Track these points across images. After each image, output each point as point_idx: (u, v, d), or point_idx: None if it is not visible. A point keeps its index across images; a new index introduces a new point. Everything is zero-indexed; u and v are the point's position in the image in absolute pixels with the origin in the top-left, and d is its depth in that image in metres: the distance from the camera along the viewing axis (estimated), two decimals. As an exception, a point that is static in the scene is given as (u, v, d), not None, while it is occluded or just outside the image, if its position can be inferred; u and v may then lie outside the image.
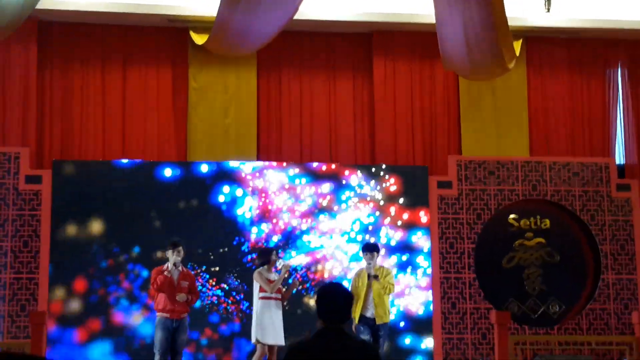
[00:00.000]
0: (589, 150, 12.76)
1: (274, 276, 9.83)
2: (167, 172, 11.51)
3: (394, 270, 11.06)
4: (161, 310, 9.51)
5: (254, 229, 11.46)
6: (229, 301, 11.32)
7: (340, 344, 4.41)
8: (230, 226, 11.43)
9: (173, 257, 9.56)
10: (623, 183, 12.34)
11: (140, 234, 11.26)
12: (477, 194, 12.01)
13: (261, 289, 9.77)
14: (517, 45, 12.12)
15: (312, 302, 11.24)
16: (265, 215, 11.51)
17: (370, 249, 9.99)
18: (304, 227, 11.56)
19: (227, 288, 11.33)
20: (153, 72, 12.20)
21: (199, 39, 11.82)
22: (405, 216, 11.72)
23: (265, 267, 9.90)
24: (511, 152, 12.44)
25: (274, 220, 11.53)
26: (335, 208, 11.64)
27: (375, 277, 9.78)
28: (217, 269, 11.33)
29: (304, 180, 11.66)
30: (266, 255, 10.05)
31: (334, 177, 11.70)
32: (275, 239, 11.45)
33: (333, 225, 11.60)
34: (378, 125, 12.43)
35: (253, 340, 9.84)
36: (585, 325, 11.86)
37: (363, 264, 10.20)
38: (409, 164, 12.24)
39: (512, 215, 12.10)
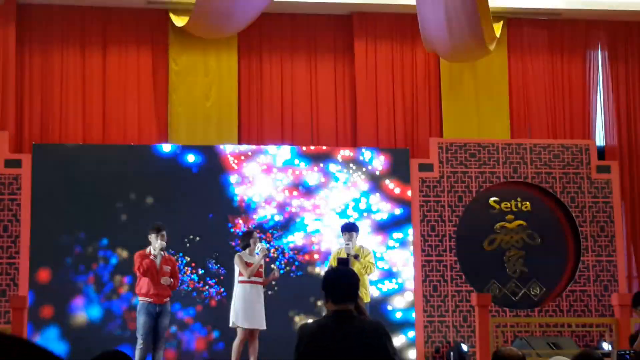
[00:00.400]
0: (570, 132, 12.79)
1: (257, 259, 9.77)
2: (149, 155, 11.45)
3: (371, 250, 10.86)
4: (144, 295, 9.46)
5: (240, 213, 11.43)
6: (206, 286, 11.29)
7: (350, 326, 4.44)
8: (215, 209, 11.38)
9: (158, 242, 9.49)
10: (603, 165, 12.39)
11: (122, 218, 11.19)
12: (458, 176, 12.03)
13: (240, 273, 9.75)
14: (498, 27, 12.12)
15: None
16: (250, 198, 11.48)
17: (348, 228, 9.86)
18: (290, 209, 11.54)
19: (201, 272, 11.27)
20: (133, 55, 12.12)
21: (179, 20, 11.75)
22: (386, 198, 11.71)
23: (247, 250, 9.87)
24: (492, 134, 12.45)
25: (260, 203, 11.49)
26: (318, 191, 11.61)
27: (356, 256, 9.66)
28: (197, 253, 11.29)
29: (286, 162, 11.62)
30: (246, 238, 9.99)
31: (317, 159, 11.67)
32: (260, 220, 11.42)
33: (315, 208, 11.58)
34: (359, 107, 12.41)
35: (230, 324, 9.83)
36: (565, 307, 11.94)
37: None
38: (391, 146, 12.22)
39: (493, 198, 12.13)
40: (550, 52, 12.92)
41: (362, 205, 11.67)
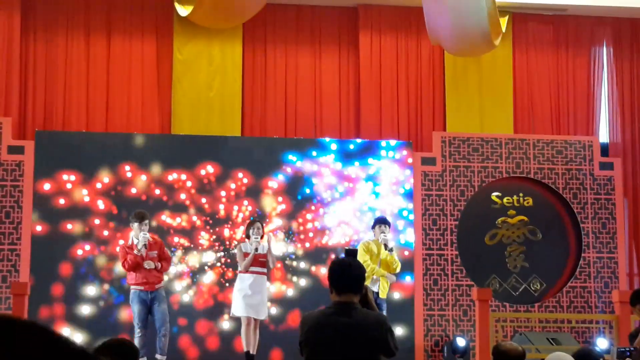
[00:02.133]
0: (573, 128, 12.78)
1: (250, 253, 9.70)
2: (150, 144, 11.46)
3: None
4: (134, 284, 9.47)
5: (240, 203, 11.43)
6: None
7: (352, 317, 4.44)
8: (216, 201, 11.39)
9: (141, 236, 9.36)
10: (606, 161, 12.38)
11: (123, 206, 11.19)
12: (460, 170, 12.02)
13: (242, 263, 9.76)
14: (504, 22, 12.09)
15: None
16: (251, 190, 11.48)
17: (383, 221, 9.98)
18: (289, 203, 11.54)
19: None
20: (137, 43, 12.11)
21: (184, 9, 11.72)
22: (388, 191, 11.71)
23: (248, 241, 9.85)
24: (495, 129, 12.44)
25: (261, 196, 11.50)
26: (321, 184, 11.61)
27: (391, 249, 9.82)
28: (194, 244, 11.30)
29: (289, 154, 11.62)
30: (248, 228, 9.96)
31: (318, 151, 11.66)
32: (256, 215, 11.42)
33: (319, 203, 11.58)
34: (363, 99, 12.40)
35: (231, 314, 9.86)
36: (565, 303, 11.94)
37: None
38: (394, 138, 12.21)
39: (495, 193, 12.12)
40: (556, 48, 12.90)
41: (365, 201, 11.66)
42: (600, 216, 12.16)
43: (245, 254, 9.71)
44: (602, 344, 10.40)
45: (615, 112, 12.85)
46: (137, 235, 9.46)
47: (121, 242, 10.51)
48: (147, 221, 9.53)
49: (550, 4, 12.45)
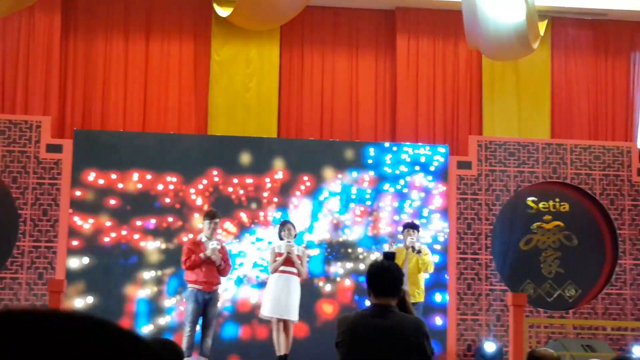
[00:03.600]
0: (611, 133, 12.67)
1: (283, 255, 9.67)
2: (188, 144, 11.53)
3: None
4: (193, 282, 9.42)
5: (276, 201, 11.46)
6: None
7: (390, 320, 4.45)
8: (254, 202, 11.43)
9: (210, 244, 9.34)
10: (644, 168, 12.26)
11: (158, 206, 11.27)
12: (496, 175, 11.96)
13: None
14: (542, 25, 11.99)
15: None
16: (288, 191, 11.50)
17: (412, 226, 10.07)
18: (324, 202, 11.55)
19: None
20: (176, 44, 12.20)
21: (223, 11, 11.77)
22: (424, 195, 11.69)
23: (282, 241, 9.83)
24: (532, 134, 12.37)
25: (298, 195, 11.52)
26: (354, 186, 11.60)
27: (419, 251, 9.84)
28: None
29: (324, 155, 11.63)
30: (280, 228, 9.95)
31: (356, 154, 11.66)
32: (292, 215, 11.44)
33: (353, 204, 11.58)
34: (399, 102, 12.39)
35: (260, 314, 9.84)
36: (600, 310, 11.84)
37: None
38: (430, 142, 12.17)
39: (531, 198, 12.05)
40: (595, 53, 12.80)
41: (398, 204, 11.65)
42: (638, 223, 12.04)
43: (278, 255, 9.70)
44: (638, 351, 10.30)
45: (655, 118, 12.72)
46: (207, 234, 9.48)
47: (189, 236, 10.51)
48: (217, 220, 9.56)
49: (590, 8, 12.35)
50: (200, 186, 11.34)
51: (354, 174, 11.61)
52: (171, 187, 11.32)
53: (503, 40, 10.66)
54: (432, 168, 11.77)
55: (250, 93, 12.18)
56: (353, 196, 11.58)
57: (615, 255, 11.99)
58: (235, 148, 11.51)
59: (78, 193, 11.19)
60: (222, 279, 9.77)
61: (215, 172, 11.36)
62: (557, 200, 12.08)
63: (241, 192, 11.37)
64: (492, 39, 10.68)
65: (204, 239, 9.49)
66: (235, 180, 11.38)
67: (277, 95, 12.24)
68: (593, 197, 12.07)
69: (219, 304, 9.98)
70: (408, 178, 11.68)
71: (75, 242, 11.10)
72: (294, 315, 9.66)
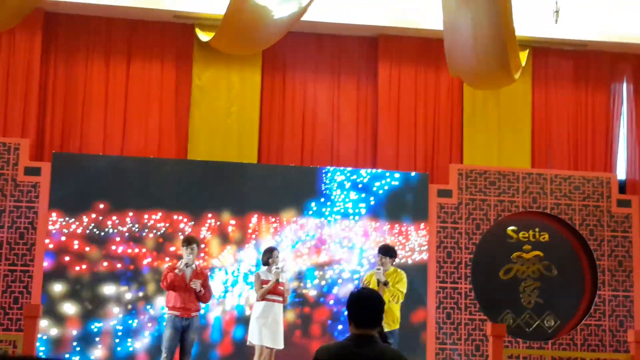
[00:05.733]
0: (591, 164, 12.70)
1: (270, 281, 9.70)
2: (167, 169, 11.46)
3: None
4: (171, 308, 9.43)
5: (256, 230, 11.40)
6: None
7: (370, 351, 4.38)
8: (233, 227, 11.37)
9: (185, 257, 9.48)
10: (624, 199, 12.29)
11: (137, 230, 11.18)
12: (477, 203, 11.96)
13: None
14: (524, 56, 12.07)
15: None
16: (265, 218, 11.44)
17: (384, 252, 9.70)
18: (304, 229, 11.50)
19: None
20: (157, 68, 12.14)
21: (205, 35, 11.76)
22: (404, 224, 11.65)
23: (266, 267, 9.81)
24: (513, 163, 12.39)
25: (273, 222, 11.46)
26: (332, 211, 11.57)
27: (385, 283, 9.48)
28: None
29: (303, 180, 11.60)
30: (266, 255, 9.95)
31: (333, 179, 11.63)
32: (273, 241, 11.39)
33: (331, 230, 11.54)
34: (381, 129, 12.37)
35: (248, 342, 9.80)
36: (579, 341, 11.82)
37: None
38: (410, 170, 12.16)
39: (511, 227, 12.04)
40: (575, 83, 12.85)
41: (378, 232, 11.61)
42: (617, 254, 12.06)
43: (264, 282, 9.67)
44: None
45: (634, 149, 12.77)
46: (186, 260, 9.50)
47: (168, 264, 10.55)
48: (193, 245, 9.55)
49: (570, 39, 12.41)
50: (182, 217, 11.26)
51: (335, 199, 11.57)
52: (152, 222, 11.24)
53: (484, 70, 10.70)
54: (411, 196, 11.73)
55: (232, 118, 12.13)
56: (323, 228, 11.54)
57: (595, 286, 11.99)
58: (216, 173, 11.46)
59: (55, 216, 11.06)
60: (202, 305, 9.73)
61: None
62: (537, 230, 12.08)
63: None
64: (474, 68, 10.72)
65: (182, 266, 9.46)
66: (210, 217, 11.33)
67: (258, 120, 12.20)
68: (573, 227, 12.08)
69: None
70: (388, 205, 11.64)
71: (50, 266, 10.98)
72: (280, 343, 9.70)
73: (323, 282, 11.40)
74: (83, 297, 10.99)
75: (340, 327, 11.22)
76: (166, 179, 11.38)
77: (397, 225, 11.63)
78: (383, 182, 11.70)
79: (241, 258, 11.29)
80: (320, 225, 11.49)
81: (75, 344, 10.90)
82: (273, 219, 11.40)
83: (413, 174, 11.86)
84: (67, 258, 11.02)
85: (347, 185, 11.61)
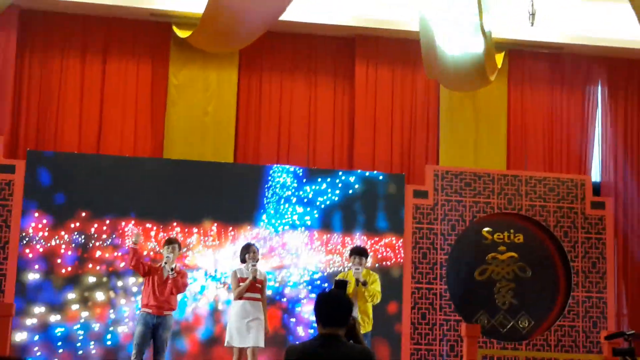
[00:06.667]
0: (566, 166, 12.78)
1: (247, 280, 9.57)
2: (142, 168, 11.42)
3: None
4: (144, 306, 9.42)
5: (237, 228, 11.38)
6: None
7: (337, 350, 4.39)
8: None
9: (165, 256, 9.49)
10: (598, 201, 12.38)
11: (112, 229, 11.14)
12: (452, 204, 12.00)
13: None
14: (500, 58, 12.11)
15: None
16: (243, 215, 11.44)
17: (359, 252, 9.67)
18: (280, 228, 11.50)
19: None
20: (133, 66, 12.08)
21: (182, 33, 11.71)
22: (380, 225, 11.67)
23: (244, 265, 9.68)
24: (488, 165, 12.43)
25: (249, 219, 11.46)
26: (307, 211, 11.58)
27: (364, 283, 9.46)
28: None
29: (285, 179, 11.59)
30: (243, 252, 9.77)
31: (310, 181, 11.63)
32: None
33: (307, 231, 11.54)
34: (357, 130, 12.38)
35: (225, 343, 9.63)
36: (553, 341, 11.89)
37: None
38: (387, 170, 12.18)
39: (486, 228, 12.10)
40: (551, 86, 12.93)
41: (354, 231, 11.63)
42: (591, 255, 12.14)
43: (241, 279, 9.56)
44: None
45: (608, 151, 12.86)
46: (166, 260, 9.50)
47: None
48: (174, 245, 9.56)
49: (546, 42, 12.48)
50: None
51: (311, 200, 11.58)
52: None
53: (460, 71, 10.74)
54: (387, 196, 11.75)
55: (208, 117, 12.10)
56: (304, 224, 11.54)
57: (569, 287, 12.06)
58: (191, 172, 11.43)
59: (29, 215, 11.00)
60: (175, 304, 9.67)
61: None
62: (512, 231, 12.14)
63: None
64: (450, 70, 10.75)
65: (162, 265, 9.46)
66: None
67: (234, 119, 12.17)
68: (547, 229, 12.15)
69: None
70: (362, 205, 11.66)
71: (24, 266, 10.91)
72: (261, 341, 9.48)
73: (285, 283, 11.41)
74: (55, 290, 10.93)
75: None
76: (142, 178, 11.33)
77: (371, 227, 11.64)
78: (353, 181, 11.71)
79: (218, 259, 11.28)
80: (281, 232, 11.48)
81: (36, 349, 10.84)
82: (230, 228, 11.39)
83: (381, 177, 11.84)
84: (42, 255, 10.94)
85: (324, 186, 11.62)
